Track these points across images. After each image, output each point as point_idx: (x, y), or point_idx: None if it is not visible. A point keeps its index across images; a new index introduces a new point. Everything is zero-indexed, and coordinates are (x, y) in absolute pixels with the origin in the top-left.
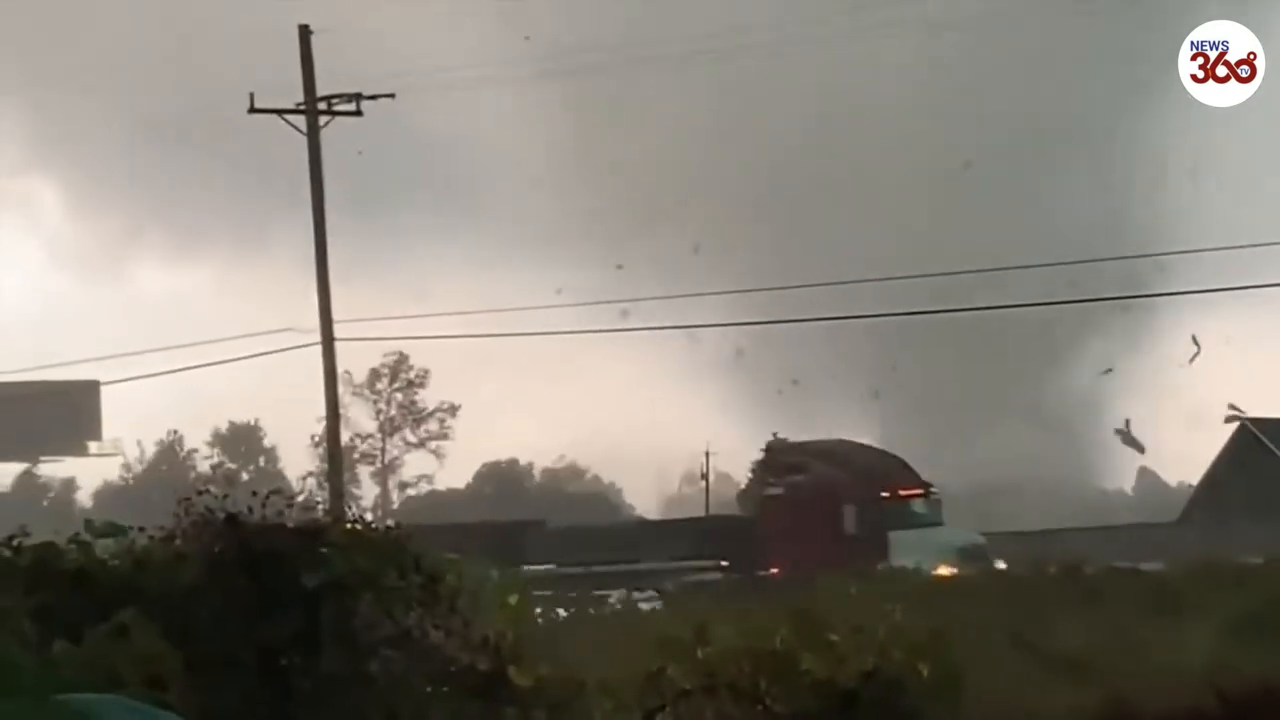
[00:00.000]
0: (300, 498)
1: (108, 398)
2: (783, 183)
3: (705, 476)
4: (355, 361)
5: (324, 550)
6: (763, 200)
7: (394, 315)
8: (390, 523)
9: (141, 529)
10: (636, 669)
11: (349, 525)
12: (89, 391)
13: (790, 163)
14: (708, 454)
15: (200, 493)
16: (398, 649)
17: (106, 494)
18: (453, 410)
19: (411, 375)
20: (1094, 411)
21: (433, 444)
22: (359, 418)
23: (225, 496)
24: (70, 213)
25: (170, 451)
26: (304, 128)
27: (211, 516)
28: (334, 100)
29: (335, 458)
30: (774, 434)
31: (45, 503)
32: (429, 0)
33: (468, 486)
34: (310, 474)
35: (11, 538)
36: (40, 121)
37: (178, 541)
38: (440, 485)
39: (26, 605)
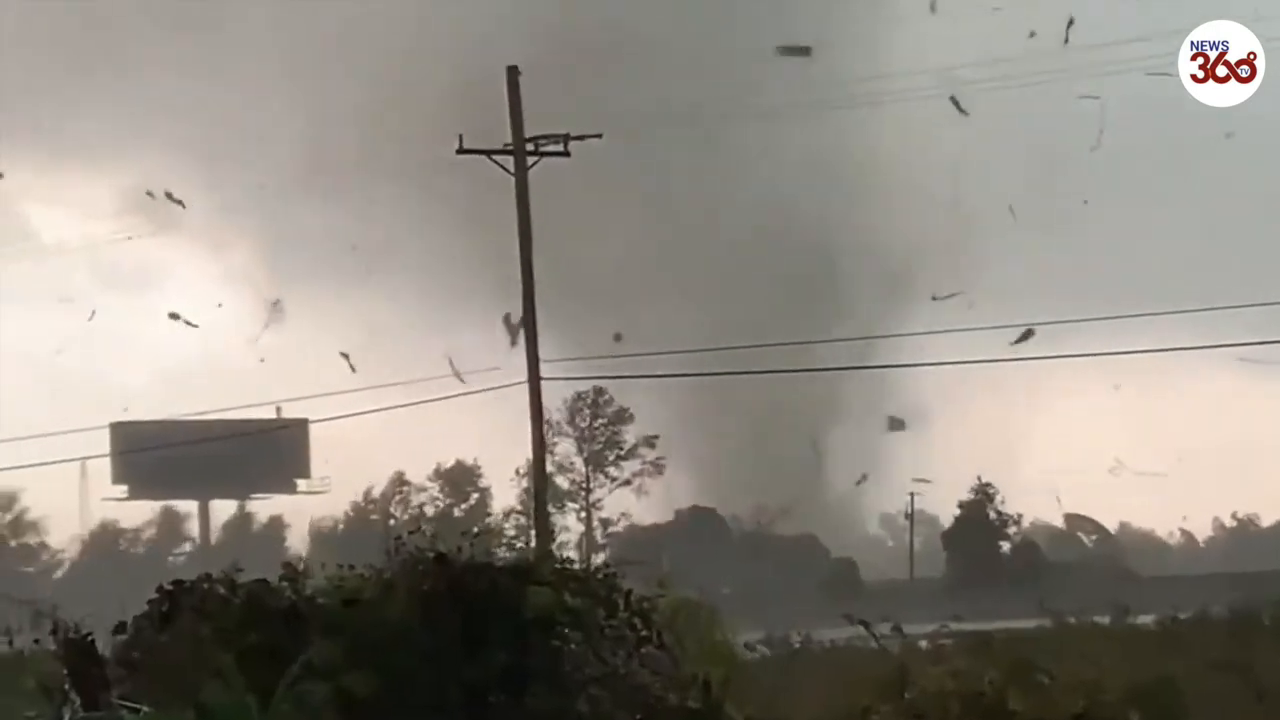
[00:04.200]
0: (509, 534)
1: (316, 436)
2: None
3: (910, 517)
4: (560, 400)
5: (532, 588)
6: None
7: (598, 355)
8: (600, 560)
9: (352, 567)
10: (845, 709)
11: (557, 563)
12: (298, 430)
13: None
14: (912, 494)
15: (411, 532)
16: (605, 688)
17: (315, 531)
18: (650, 442)
19: (612, 413)
20: None
21: (635, 482)
22: (565, 454)
23: (434, 536)
24: (275, 255)
25: (379, 488)
26: (512, 168)
27: (421, 555)
28: (541, 141)
29: (541, 496)
30: None
31: (256, 539)
32: (632, 43)
33: (669, 523)
34: (517, 510)
35: (226, 574)
36: (245, 165)
37: (387, 579)
38: (643, 522)
39: (241, 641)
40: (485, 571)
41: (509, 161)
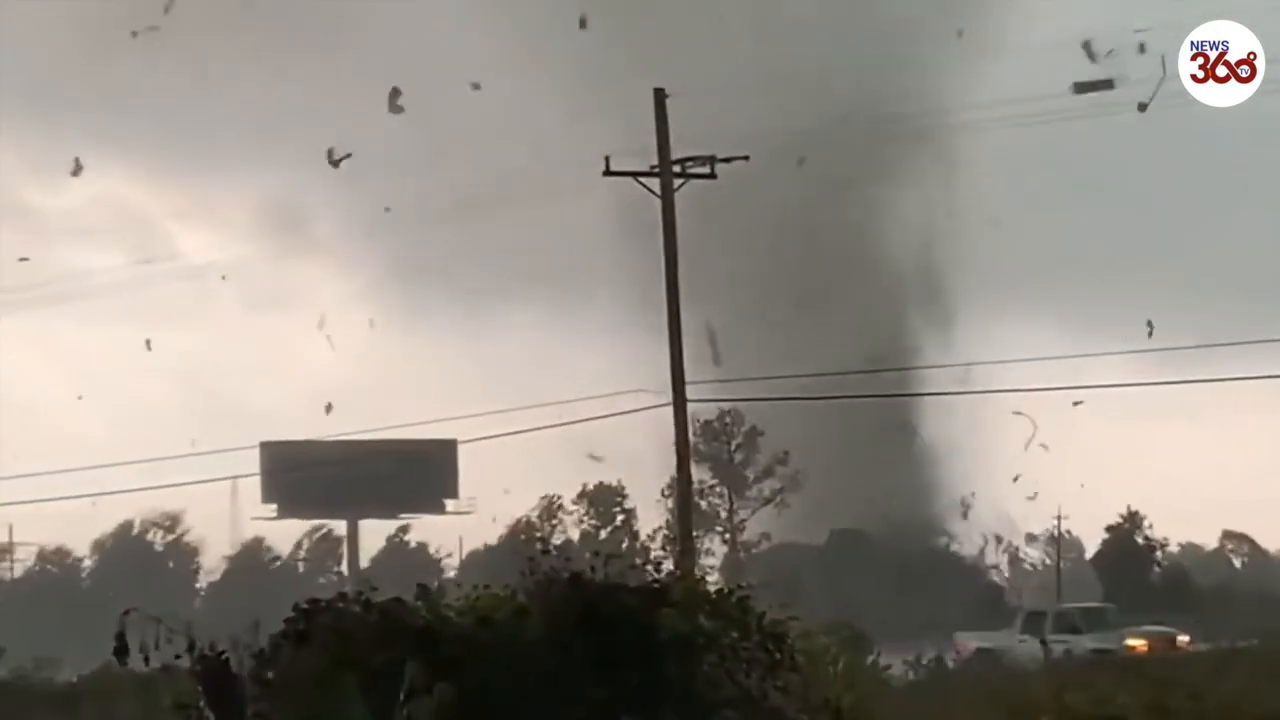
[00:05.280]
0: (654, 554)
1: (465, 456)
2: None
3: (1057, 540)
4: (695, 421)
5: (666, 610)
6: None
7: (744, 376)
8: (742, 583)
9: (487, 587)
10: None
11: (692, 585)
12: (447, 450)
13: None
14: (1058, 518)
15: (545, 552)
16: (739, 710)
17: (463, 551)
18: (783, 460)
19: (745, 432)
20: None
21: (776, 498)
22: (705, 476)
23: (568, 559)
24: (419, 274)
25: (525, 510)
26: (658, 190)
27: (556, 576)
28: (688, 163)
29: (685, 518)
30: None
31: (403, 559)
32: (778, 63)
33: (812, 545)
34: (661, 531)
35: (360, 593)
36: (385, 183)
37: (521, 599)
38: (787, 544)
39: (373, 660)
40: (619, 593)
41: (656, 184)
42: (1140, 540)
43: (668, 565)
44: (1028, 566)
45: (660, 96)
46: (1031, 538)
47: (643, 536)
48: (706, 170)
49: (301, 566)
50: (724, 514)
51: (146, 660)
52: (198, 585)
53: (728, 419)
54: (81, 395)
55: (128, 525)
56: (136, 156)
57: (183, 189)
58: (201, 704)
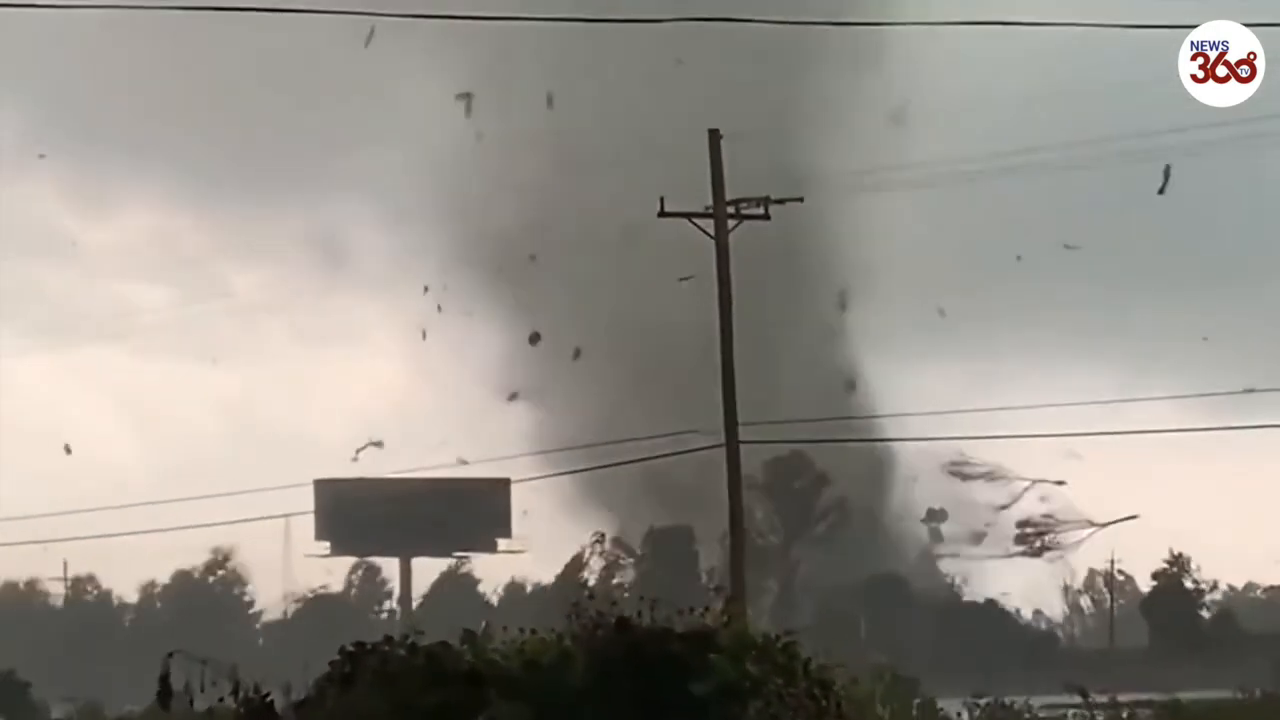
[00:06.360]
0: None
1: (518, 495)
2: None
3: (1110, 582)
4: (758, 462)
5: (713, 656)
6: None
7: (796, 418)
8: (790, 629)
9: (534, 630)
10: None
11: (739, 630)
12: (500, 489)
13: None
14: (1112, 560)
15: (590, 596)
16: None
17: (516, 590)
18: (840, 505)
19: (823, 481)
20: None
21: (829, 537)
22: (763, 517)
23: (614, 603)
24: (475, 319)
25: (579, 549)
26: (713, 231)
27: (602, 620)
28: (742, 204)
29: (738, 562)
30: None
31: (456, 598)
32: (834, 106)
33: (863, 588)
34: (715, 572)
35: (406, 636)
36: (437, 224)
37: (567, 643)
38: (839, 588)
39: (421, 704)
40: (665, 638)
41: (710, 224)
42: (1189, 584)
43: (716, 607)
44: (1085, 608)
45: (715, 138)
46: (1093, 573)
47: (701, 575)
48: (761, 211)
49: (351, 605)
50: (778, 552)
51: (191, 702)
52: (253, 624)
53: (793, 460)
54: (134, 431)
55: (182, 562)
56: (180, 190)
57: (229, 223)
58: None
